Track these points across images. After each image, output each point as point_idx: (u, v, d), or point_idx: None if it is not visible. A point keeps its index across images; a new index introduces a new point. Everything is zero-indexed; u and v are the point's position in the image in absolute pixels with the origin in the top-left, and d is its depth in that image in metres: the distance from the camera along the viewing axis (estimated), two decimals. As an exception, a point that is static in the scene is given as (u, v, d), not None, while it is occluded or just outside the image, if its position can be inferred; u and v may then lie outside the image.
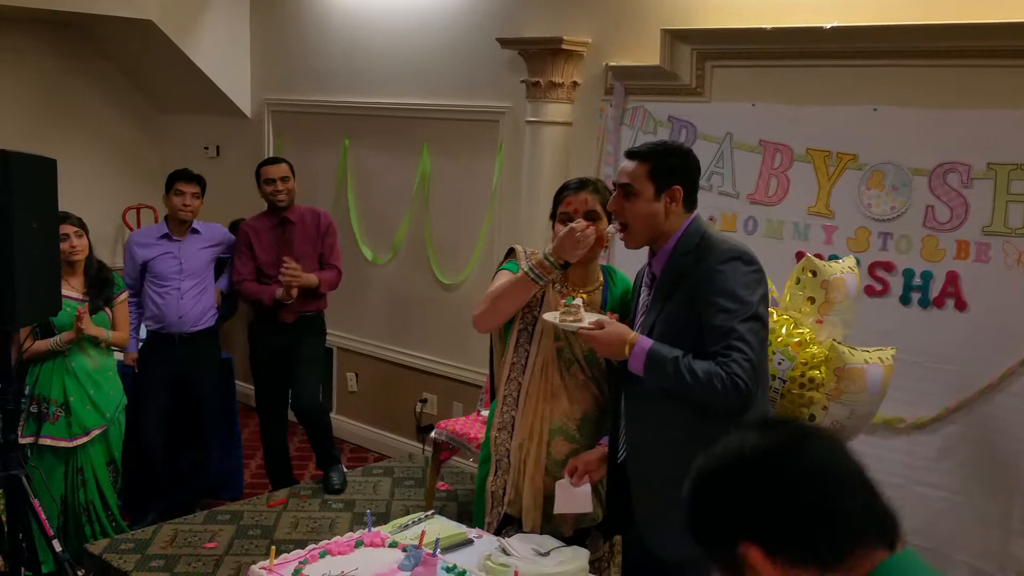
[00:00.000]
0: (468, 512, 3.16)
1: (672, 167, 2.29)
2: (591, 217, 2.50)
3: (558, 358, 2.54)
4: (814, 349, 2.61)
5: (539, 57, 4.25)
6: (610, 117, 4.14)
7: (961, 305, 3.20)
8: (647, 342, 2.22)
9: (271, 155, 5.78)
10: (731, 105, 3.76)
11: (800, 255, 3.49)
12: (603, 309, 2.59)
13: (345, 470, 4.74)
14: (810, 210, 3.55)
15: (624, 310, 2.60)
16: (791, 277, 2.83)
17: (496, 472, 2.61)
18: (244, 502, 4.47)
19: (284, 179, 4.44)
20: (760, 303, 2.18)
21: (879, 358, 2.66)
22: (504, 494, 2.60)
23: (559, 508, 2.32)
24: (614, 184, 2.35)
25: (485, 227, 4.83)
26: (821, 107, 3.50)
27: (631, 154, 2.33)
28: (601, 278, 2.66)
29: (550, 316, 2.41)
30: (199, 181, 4.43)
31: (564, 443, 2.56)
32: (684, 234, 2.28)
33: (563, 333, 2.52)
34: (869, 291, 3.35)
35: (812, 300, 2.69)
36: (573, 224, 2.44)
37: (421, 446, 5.17)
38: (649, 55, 4.00)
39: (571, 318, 2.36)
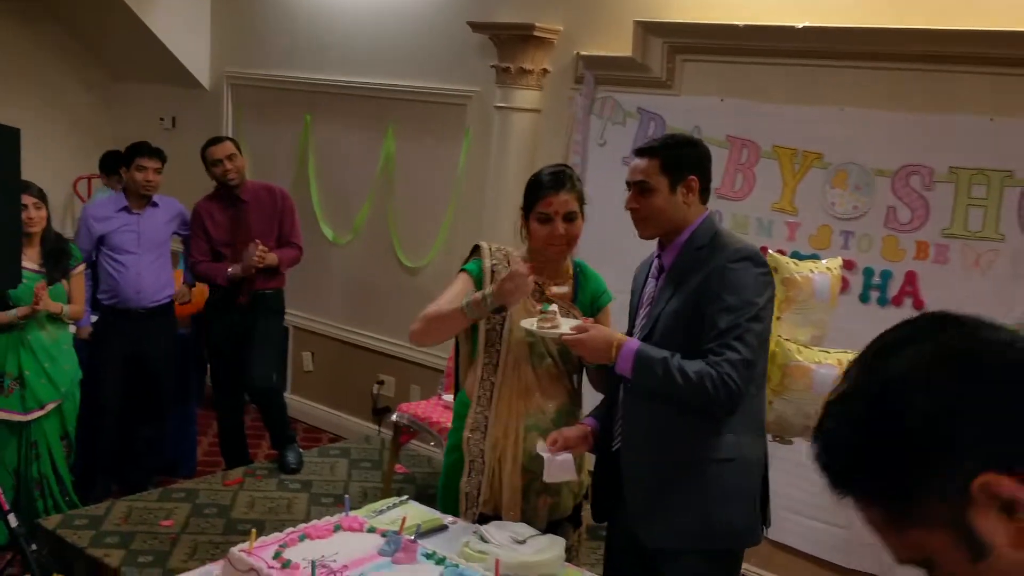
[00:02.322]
0: (427, 496, 3.17)
1: (684, 158, 2.31)
2: (569, 218, 2.49)
3: (530, 353, 2.55)
4: None
5: (510, 43, 4.25)
6: (579, 106, 4.16)
7: (919, 304, 3.30)
8: (634, 343, 2.23)
9: (229, 130, 5.72)
10: (700, 99, 3.81)
11: (763, 251, 3.55)
12: (573, 302, 2.61)
13: (300, 450, 4.73)
14: (774, 206, 3.62)
15: (595, 307, 2.62)
16: None
17: (470, 473, 2.62)
18: (199, 480, 4.44)
19: (231, 157, 4.39)
20: (765, 306, 2.22)
21: (838, 360, 2.70)
22: (479, 494, 2.61)
23: (548, 477, 2.34)
24: (627, 183, 2.35)
25: (450, 211, 4.83)
26: (789, 105, 3.57)
27: (641, 152, 2.34)
28: (571, 272, 2.66)
29: (527, 323, 2.41)
30: (160, 156, 4.38)
31: (540, 439, 2.56)
32: (698, 228, 2.31)
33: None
34: (829, 288, 3.43)
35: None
36: (517, 269, 2.38)
37: (377, 428, 5.18)
38: (620, 46, 4.03)
39: (548, 324, 2.36)
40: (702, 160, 2.35)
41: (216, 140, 4.49)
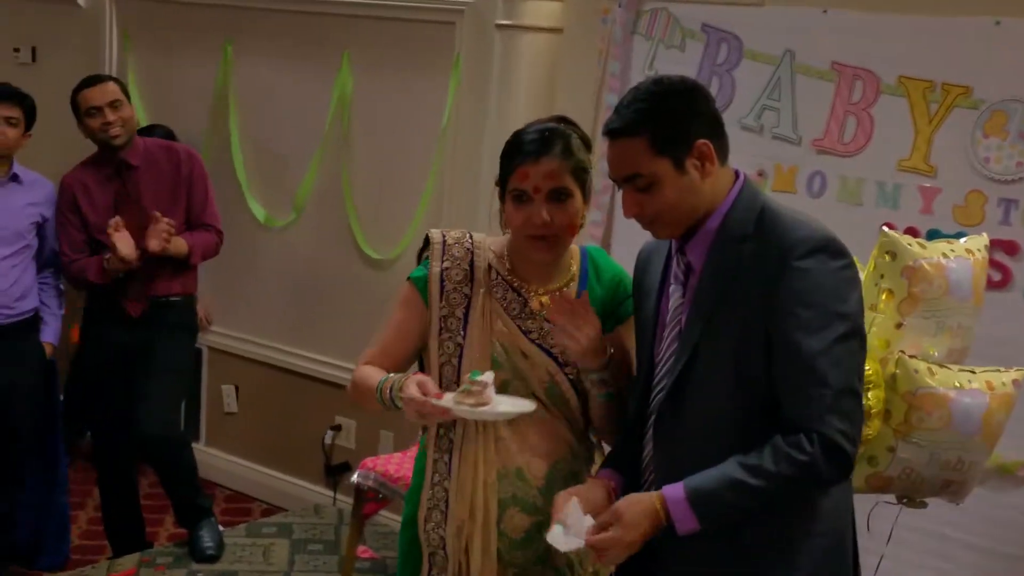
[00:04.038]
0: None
1: (679, 118, 2.28)
2: (556, 197, 2.49)
3: (503, 394, 2.55)
4: (867, 364, 2.68)
5: (517, -67, 4.30)
6: (618, 23, 4.20)
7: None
8: (678, 489, 2.23)
9: (112, 67, 5.77)
10: (795, 10, 3.84)
11: (888, 228, 3.60)
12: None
13: (221, 528, 4.78)
14: (902, 164, 3.65)
15: (614, 319, 2.63)
16: (869, 261, 2.91)
17: (430, 571, 2.66)
18: (71, 574, 4.50)
19: (114, 105, 4.42)
20: (858, 313, 2.25)
21: (986, 382, 2.72)
22: None
23: (565, 546, 2.38)
24: (611, 179, 2.36)
25: (432, 177, 4.87)
26: (922, 17, 3.59)
27: (614, 132, 2.30)
28: (575, 269, 2.67)
29: (445, 401, 2.39)
30: (21, 101, 4.43)
31: (522, 516, 2.60)
32: (734, 209, 2.31)
33: (508, 356, 2.59)
34: (981, 283, 3.45)
35: (891, 294, 2.75)
36: (413, 395, 2.39)
37: (333, 494, 5.21)
38: (677, -66, 4.08)
39: (471, 402, 2.36)
40: (704, 108, 2.33)
41: (93, 80, 4.53)
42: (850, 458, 2.20)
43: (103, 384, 4.61)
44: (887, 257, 2.78)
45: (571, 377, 2.59)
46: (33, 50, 6.23)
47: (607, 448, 2.74)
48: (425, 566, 2.65)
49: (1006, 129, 3.46)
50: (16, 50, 6.24)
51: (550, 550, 2.51)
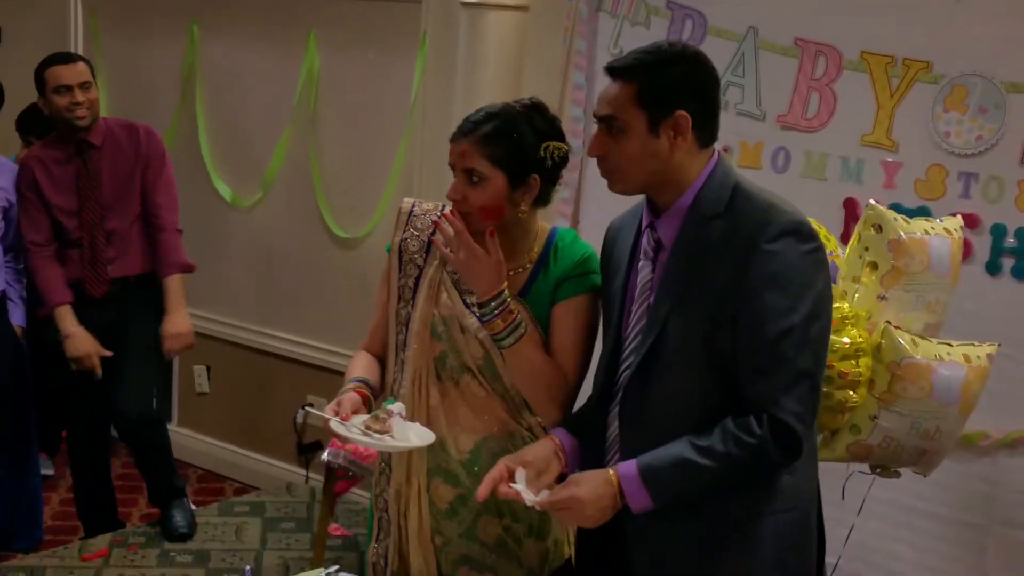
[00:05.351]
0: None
1: (671, 84, 2.28)
2: (469, 178, 2.50)
3: (438, 367, 2.62)
4: (854, 332, 2.69)
5: (481, -90, 4.27)
6: (583, 1, 4.18)
7: (1073, 275, 3.33)
8: (631, 466, 2.24)
9: (78, 46, 5.74)
10: (757, -13, 3.84)
11: (850, 203, 3.60)
12: (524, 295, 2.59)
13: (193, 507, 4.76)
14: (865, 139, 3.64)
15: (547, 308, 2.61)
16: (854, 233, 2.92)
17: (378, 535, 2.70)
18: (45, 554, 4.48)
19: (84, 86, 4.38)
20: (824, 297, 2.25)
21: (964, 355, 2.75)
22: (386, 565, 2.69)
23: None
24: (595, 116, 2.36)
25: (400, 156, 4.86)
26: (884, -7, 3.59)
27: (614, 71, 2.32)
28: (536, 251, 2.64)
29: (345, 429, 2.39)
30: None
31: (446, 488, 2.63)
32: (706, 188, 2.30)
33: (447, 328, 2.61)
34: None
35: (875, 266, 2.77)
36: (324, 414, 2.43)
37: (305, 472, 5.19)
38: (640, -89, 4.05)
39: (378, 427, 2.38)
40: (699, 86, 2.32)
41: (64, 57, 4.49)
42: (801, 441, 2.20)
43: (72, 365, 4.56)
44: (872, 230, 2.81)
45: None
46: (-1, 31, 6.18)
47: None
48: (375, 529, 2.71)
49: (966, 103, 3.46)
50: (-21, 30, 6.19)
51: (477, 524, 2.61)
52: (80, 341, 4.38)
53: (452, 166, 2.54)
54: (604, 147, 2.31)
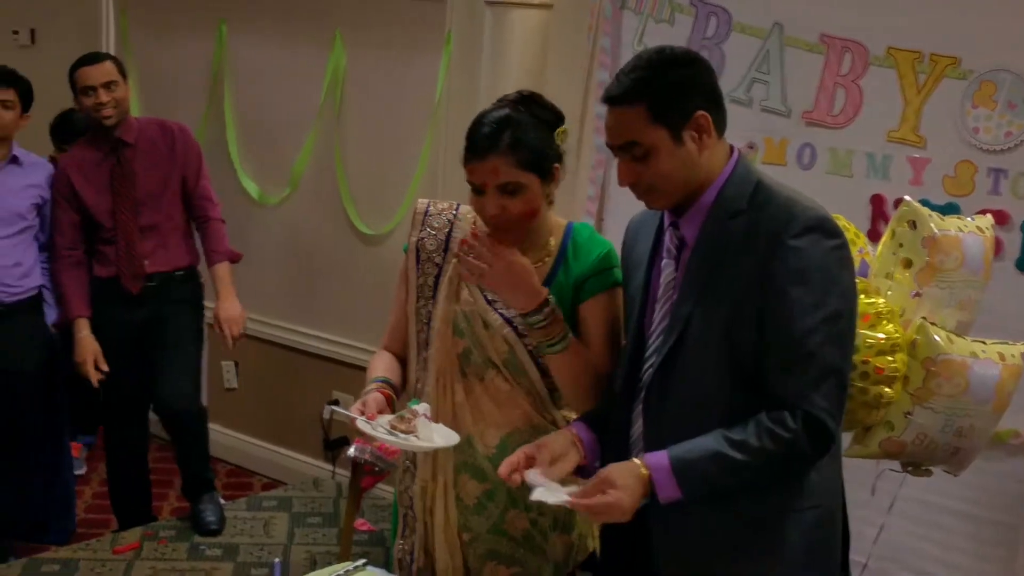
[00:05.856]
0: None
1: (678, 88, 2.25)
2: (506, 190, 2.45)
3: (462, 363, 2.61)
4: (890, 327, 2.67)
5: (507, -92, 4.26)
6: (608, -2, 4.18)
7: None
8: (661, 457, 2.21)
9: (111, 46, 5.77)
10: (782, -17, 3.81)
11: (877, 200, 3.57)
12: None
13: (222, 501, 4.78)
14: (891, 136, 3.61)
15: (571, 307, 2.59)
16: (887, 230, 2.90)
17: (404, 532, 2.70)
18: (78, 547, 4.50)
19: (109, 86, 4.38)
20: (849, 293, 2.24)
21: (998, 353, 2.73)
22: (412, 561, 2.69)
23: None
24: (608, 146, 2.33)
25: (425, 153, 4.85)
26: (910, -12, 3.56)
27: (613, 99, 2.28)
28: (554, 244, 2.62)
29: (364, 426, 2.38)
30: (16, 83, 4.40)
31: (473, 483, 2.62)
32: (728, 184, 2.29)
33: (469, 325, 2.59)
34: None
35: (908, 263, 2.75)
36: (350, 413, 2.43)
37: (332, 468, 5.21)
38: (665, -92, 4.03)
39: (403, 427, 2.38)
40: (704, 80, 2.30)
41: (91, 58, 4.50)
42: (833, 436, 2.19)
43: (112, 363, 4.57)
44: (907, 226, 2.80)
45: (531, 348, 2.57)
46: (32, 32, 6.24)
47: None
48: (400, 525, 2.71)
49: (995, 99, 3.43)
50: (15, 32, 6.25)
51: (505, 519, 2.60)
52: (80, 347, 4.41)
53: (481, 185, 2.47)
54: (635, 174, 2.29)
